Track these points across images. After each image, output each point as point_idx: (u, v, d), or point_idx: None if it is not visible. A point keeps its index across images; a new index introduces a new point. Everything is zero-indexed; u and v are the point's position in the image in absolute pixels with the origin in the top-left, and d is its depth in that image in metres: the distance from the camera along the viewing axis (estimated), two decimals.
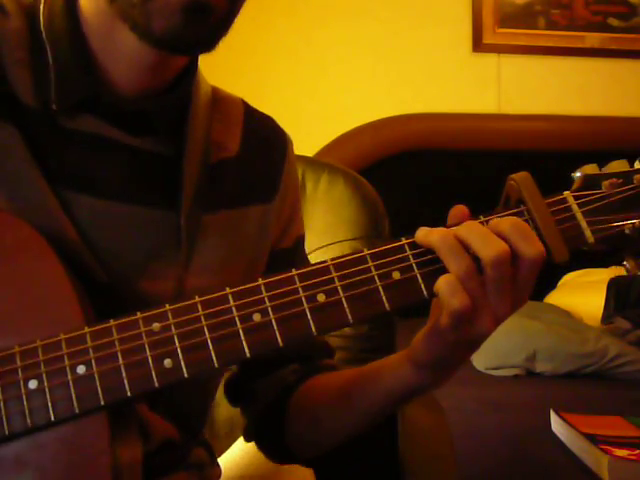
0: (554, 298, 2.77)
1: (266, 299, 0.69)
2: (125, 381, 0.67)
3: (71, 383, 0.67)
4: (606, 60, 3.22)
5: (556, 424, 1.73)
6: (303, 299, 0.70)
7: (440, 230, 0.71)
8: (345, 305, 0.70)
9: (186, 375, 0.67)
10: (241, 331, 0.68)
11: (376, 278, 0.71)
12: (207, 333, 0.68)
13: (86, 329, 0.68)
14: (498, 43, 3.19)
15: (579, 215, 0.74)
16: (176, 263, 0.84)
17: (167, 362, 0.67)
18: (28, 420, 0.66)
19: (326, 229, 1.51)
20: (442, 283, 0.70)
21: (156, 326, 0.68)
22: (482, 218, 0.74)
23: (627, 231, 0.74)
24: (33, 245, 0.73)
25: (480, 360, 2.38)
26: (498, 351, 2.32)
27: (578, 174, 0.77)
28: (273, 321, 0.69)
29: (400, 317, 1.50)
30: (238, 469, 1.16)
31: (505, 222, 0.71)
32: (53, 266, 0.72)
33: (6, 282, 0.71)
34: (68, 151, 0.81)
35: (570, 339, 2.31)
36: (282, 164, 1.00)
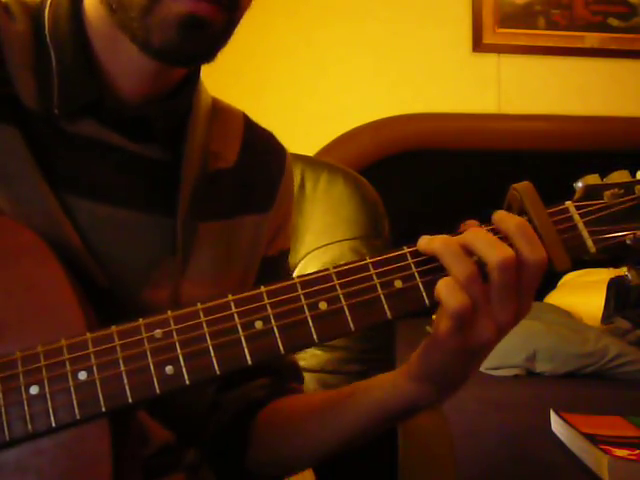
0: (554, 298, 2.77)
1: (268, 306, 0.69)
2: (126, 387, 0.67)
3: (72, 389, 0.67)
4: (606, 60, 3.22)
5: (556, 424, 1.73)
6: (305, 307, 0.70)
7: (442, 237, 0.71)
8: (347, 313, 0.70)
9: (187, 382, 0.67)
10: (243, 338, 0.68)
11: (378, 287, 0.71)
12: (209, 340, 0.68)
13: (88, 335, 0.68)
14: (498, 43, 3.19)
15: (581, 225, 0.74)
16: (172, 270, 0.84)
17: (169, 369, 0.67)
18: (29, 426, 0.66)
19: (325, 229, 1.51)
20: (441, 285, 0.70)
21: (158, 333, 0.68)
22: (485, 227, 0.74)
23: (628, 241, 0.74)
24: (35, 250, 0.73)
25: None
26: (498, 351, 2.29)
27: (580, 184, 0.77)
28: (275, 329, 0.69)
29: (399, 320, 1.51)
30: None
31: (510, 221, 0.72)
32: (55, 271, 0.72)
33: (8, 287, 0.71)
34: (69, 155, 0.81)
35: (570, 339, 2.31)
36: (280, 176, 1.00)
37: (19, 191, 0.77)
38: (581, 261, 0.75)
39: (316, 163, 1.63)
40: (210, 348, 0.68)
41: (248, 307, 0.69)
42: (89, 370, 0.67)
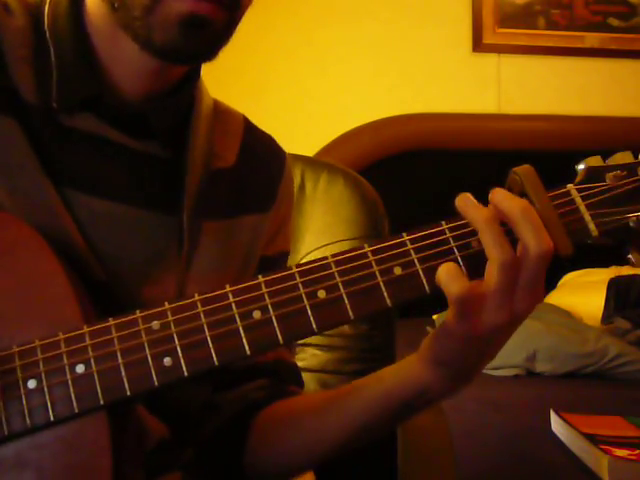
0: (554, 298, 2.77)
1: (266, 296, 0.69)
2: (124, 380, 0.67)
3: (70, 382, 0.67)
4: (606, 60, 3.22)
5: (556, 424, 1.72)
6: (304, 296, 0.69)
7: (486, 212, 0.70)
8: (346, 301, 0.69)
9: (186, 374, 0.67)
10: (241, 328, 0.68)
11: (377, 274, 0.70)
12: (207, 331, 0.68)
13: (85, 328, 0.68)
14: (498, 43, 3.19)
15: (583, 208, 0.73)
16: (176, 268, 0.84)
17: (167, 360, 0.67)
18: (27, 420, 0.66)
19: (325, 229, 1.51)
20: (442, 272, 0.69)
21: (155, 324, 0.68)
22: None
23: (631, 224, 0.73)
24: (32, 244, 0.73)
25: None
26: None
27: (582, 166, 0.76)
28: (273, 318, 0.68)
29: (400, 317, 1.50)
30: None
31: (515, 206, 0.70)
32: (52, 265, 0.72)
33: (5, 281, 0.71)
34: (67, 149, 0.82)
35: (570, 339, 2.31)
36: (279, 178, 1.00)
37: (19, 183, 0.77)
38: (585, 246, 0.73)
39: (316, 163, 1.64)
40: (208, 339, 0.68)
41: (246, 297, 0.69)
42: (87, 363, 0.67)
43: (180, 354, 0.67)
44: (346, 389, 0.89)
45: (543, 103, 3.20)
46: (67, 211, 0.79)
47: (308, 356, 1.40)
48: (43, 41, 0.83)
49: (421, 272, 0.70)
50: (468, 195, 0.72)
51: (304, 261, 1.43)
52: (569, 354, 2.28)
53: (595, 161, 0.76)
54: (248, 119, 1.02)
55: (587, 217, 0.73)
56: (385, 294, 0.70)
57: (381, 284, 0.70)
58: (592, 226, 0.73)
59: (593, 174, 0.75)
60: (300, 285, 0.69)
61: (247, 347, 0.68)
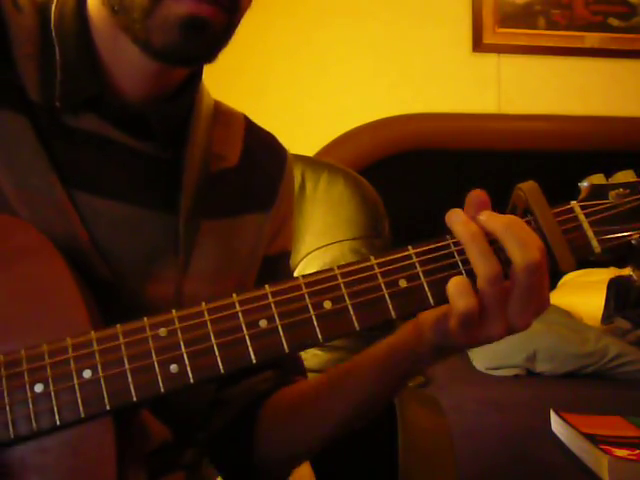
0: (554, 298, 2.77)
1: (273, 306, 0.70)
2: (131, 386, 0.67)
3: (77, 387, 0.67)
4: (606, 60, 3.22)
5: (556, 424, 1.73)
6: (309, 306, 0.70)
7: (472, 229, 0.71)
8: (351, 313, 0.70)
9: (192, 381, 0.68)
10: (247, 337, 0.69)
11: (383, 286, 0.71)
12: (213, 339, 0.68)
13: (92, 333, 0.68)
14: (498, 43, 3.19)
15: (586, 225, 0.74)
16: (175, 267, 0.85)
17: (173, 367, 0.68)
18: (34, 424, 0.67)
19: (326, 229, 1.52)
20: (452, 285, 0.70)
21: (162, 331, 0.68)
22: None
23: (633, 242, 0.74)
24: (40, 249, 0.73)
25: (480, 360, 2.39)
26: (498, 351, 2.32)
27: (585, 184, 0.77)
28: (279, 328, 0.69)
29: (404, 321, 1.51)
30: None
31: (498, 221, 0.71)
32: (60, 270, 0.72)
33: (14, 286, 0.72)
34: (70, 149, 0.82)
35: (570, 339, 2.32)
36: (281, 176, 1.01)
37: (28, 180, 0.78)
38: (585, 261, 0.74)
39: (316, 163, 1.64)
40: (214, 347, 0.68)
41: (252, 306, 0.70)
42: (94, 368, 0.67)
43: (186, 361, 0.68)
44: (344, 370, 0.89)
45: (543, 103, 3.20)
46: (75, 210, 0.79)
47: (309, 356, 1.41)
48: (49, 40, 0.83)
49: (426, 285, 0.71)
50: (458, 211, 0.73)
51: (304, 261, 1.44)
52: (569, 354, 2.28)
53: (598, 179, 0.77)
54: (249, 118, 1.02)
55: (590, 234, 0.74)
56: (390, 306, 0.71)
57: (386, 296, 0.71)
58: (595, 243, 0.74)
59: (596, 192, 0.76)
60: (306, 295, 0.70)
61: (253, 356, 0.69)
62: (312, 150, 2.92)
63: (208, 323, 0.69)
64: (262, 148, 1.01)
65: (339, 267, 0.71)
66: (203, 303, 0.70)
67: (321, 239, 1.51)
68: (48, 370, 0.67)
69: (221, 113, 0.98)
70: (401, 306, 0.71)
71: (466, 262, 0.71)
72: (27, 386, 0.67)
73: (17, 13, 0.84)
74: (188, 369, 0.68)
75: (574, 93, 3.22)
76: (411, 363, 0.83)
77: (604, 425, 1.66)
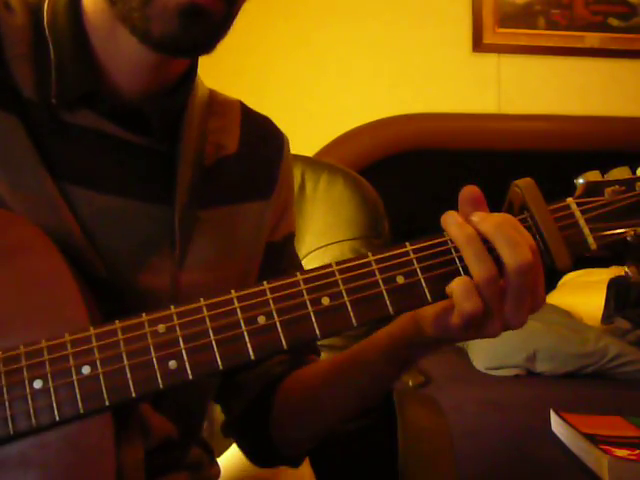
0: (554, 298, 2.77)
1: (271, 302, 0.69)
2: (130, 382, 0.67)
3: (76, 383, 0.67)
4: (606, 60, 3.22)
5: (556, 424, 1.73)
6: (308, 302, 0.70)
7: (467, 229, 0.71)
8: (349, 309, 0.70)
9: (190, 377, 0.67)
10: (246, 334, 0.68)
11: (380, 282, 0.71)
12: (212, 335, 0.68)
13: (91, 330, 0.68)
14: (498, 43, 3.19)
15: (582, 222, 0.74)
16: (171, 258, 0.85)
17: (172, 364, 0.67)
18: (33, 420, 0.66)
19: (326, 229, 1.52)
20: (457, 285, 0.69)
21: (161, 327, 0.68)
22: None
23: (629, 238, 0.74)
24: (37, 244, 0.73)
25: (480, 360, 2.39)
26: (498, 351, 2.32)
27: (581, 181, 0.77)
28: (278, 324, 0.69)
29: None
30: (237, 469, 1.16)
31: (490, 222, 0.71)
32: (58, 265, 0.72)
33: (11, 282, 0.72)
34: (67, 145, 0.82)
35: (570, 339, 2.32)
36: (279, 162, 1.01)
37: (21, 179, 0.78)
38: (582, 258, 0.75)
39: (316, 163, 1.64)
40: (213, 343, 0.68)
41: (251, 302, 0.70)
42: (92, 364, 0.67)
43: (185, 357, 0.68)
44: (349, 358, 0.90)
45: (543, 103, 3.20)
46: (68, 206, 0.79)
47: None
48: (42, 38, 0.83)
49: (423, 281, 0.71)
50: (453, 213, 0.73)
51: (304, 261, 1.44)
52: (569, 354, 2.28)
53: (594, 176, 0.78)
54: (244, 104, 1.02)
55: (586, 231, 0.74)
56: (388, 302, 0.71)
57: (384, 292, 0.71)
58: (591, 239, 0.74)
59: (592, 188, 0.76)
60: (304, 292, 0.70)
61: (251, 352, 0.68)
62: (312, 150, 2.93)
63: (207, 319, 0.69)
64: (259, 133, 1.01)
65: (337, 263, 0.71)
66: (202, 299, 0.70)
67: (321, 239, 1.51)
68: (47, 366, 0.67)
69: (217, 102, 0.98)
70: (398, 302, 0.71)
71: (464, 259, 0.71)
72: (26, 382, 0.67)
73: (8, 13, 0.84)
74: (187, 365, 0.67)
75: (574, 93, 3.22)
76: (410, 353, 0.83)
77: (604, 425, 1.66)
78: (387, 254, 0.72)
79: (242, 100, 1.03)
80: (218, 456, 1.12)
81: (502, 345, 2.31)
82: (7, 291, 0.71)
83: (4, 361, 0.67)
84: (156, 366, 0.67)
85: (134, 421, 0.76)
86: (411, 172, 3.12)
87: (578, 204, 0.75)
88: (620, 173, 0.77)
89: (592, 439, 1.54)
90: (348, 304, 0.70)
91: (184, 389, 0.70)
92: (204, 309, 0.69)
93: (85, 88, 0.82)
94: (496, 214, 0.72)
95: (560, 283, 2.92)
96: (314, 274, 0.71)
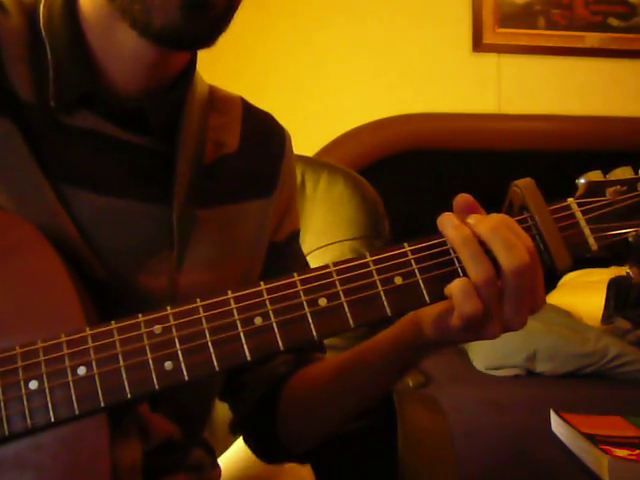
0: (554, 298, 2.77)
1: (267, 302, 0.69)
2: (125, 383, 0.67)
3: (71, 384, 0.67)
4: (606, 60, 3.22)
5: (556, 424, 1.73)
6: (304, 303, 0.69)
7: (463, 232, 0.70)
8: (346, 310, 0.70)
9: (186, 378, 0.67)
10: (242, 334, 0.68)
11: (378, 283, 0.70)
12: (208, 336, 0.68)
13: (87, 330, 0.68)
14: (498, 43, 3.19)
15: (582, 222, 0.74)
16: (169, 258, 0.84)
17: (168, 364, 0.67)
18: (28, 421, 0.66)
19: (326, 229, 1.51)
20: (456, 287, 0.69)
21: (157, 328, 0.68)
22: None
23: (630, 239, 0.74)
24: (35, 244, 0.73)
25: (480, 360, 2.39)
26: (498, 351, 2.32)
27: (582, 181, 0.77)
28: (274, 325, 0.69)
29: (399, 318, 1.50)
30: (238, 469, 1.16)
31: (485, 224, 0.70)
32: (55, 266, 0.72)
33: (8, 282, 0.71)
34: (66, 147, 0.82)
35: (570, 339, 2.31)
36: (281, 159, 1.01)
37: (17, 184, 0.78)
38: (583, 259, 0.74)
39: (316, 163, 1.64)
40: (209, 344, 0.68)
41: (247, 303, 0.69)
42: (88, 365, 0.67)
43: (181, 358, 0.68)
44: (351, 359, 0.90)
45: (543, 103, 3.20)
46: (66, 210, 0.79)
47: None
48: (39, 40, 0.83)
49: (421, 282, 0.71)
50: (449, 214, 0.72)
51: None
52: (569, 354, 2.28)
53: (595, 176, 0.77)
54: (245, 100, 1.02)
55: (587, 231, 0.74)
56: (385, 303, 0.70)
57: (381, 293, 0.70)
58: (591, 240, 0.74)
59: (593, 189, 0.76)
60: (301, 292, 0.70)
61: (248, 353, 0.68)
62: (312, 150, 2.92)
63: (203, 320, 0.69)
64: (261, 130, 1.00)
65: (335, 264, 0.71)
66: (198, 299, 0.70)
67: (321, 239, 1.51)
68: (43, 367, 0.67)
69: (217, 99, 0.97)
70: (396, 303, 0.70)
71: (461, 260, 0.71)
72: (22, 383, 0.67)
73: (3, 15, 0.84)
74: (182, 366, 0.67)
75: (574, 93, 3.22)
76: (411, 355, 0.83)
77: (604, 425, 1.66)
78: (385, 254, 0.72)
79: None
80: (218, 456, 1.12)
81: (502, 345, 2.31)
82: (3, 291, 0.71)
83: (0, 361, 0.67)
84: (152, 367, 0.67)
85: (131, 422, 0.76)
86: (411, 172, 3.12)
87: (579, 204, 0.75)
88: (622, 173, 0.77)
89: (592, 439, 1.54)
90: (345, 305, 0.70)
91: (186, 389, 0.70)
92: (200, 310, 0.69)
93: (83, 88, 0.82)
94: (493, 215, 0.72)
95: (560, 283, 2.91)
96: (311, 275, 0.71)
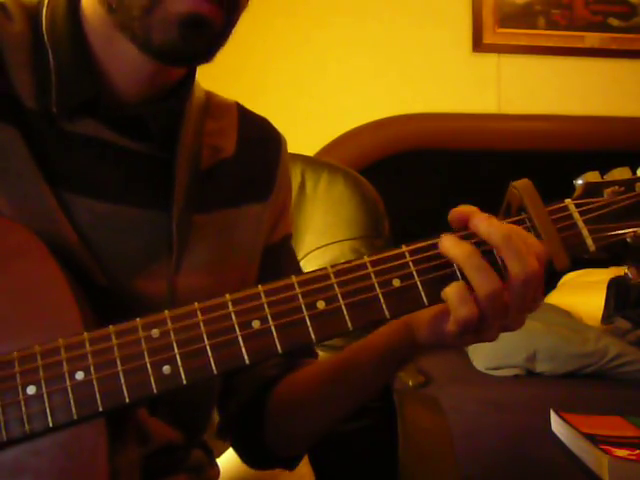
0: (554, 298, 2.77)
1: (265, 306, 0.69)
2: (123, 387, 0.67)
3: (69, 389, 0.67)
4: (606, 60, 3.22)
5: (556, 424, 1.73)
6: (303, 306, 0.69)
7: (465, 246, 0.70)
8: (345, 312, 0.69)
9: (184, 382, 0.67)
10: (240, 338, 0.68)
11: (376, 285, 0.70)
12: (206, 340, 0.68)
13: (85, 335, 0.68)
14: (498, 43, 3.19)
15: (580, 223, 0.74)
16: (168, 263, 0.84)
17: (166, 369, 0.67)
18: (26, 426, 0.66)
19: (326, 229, 1.51)
20: (451, 291, 0.69)
21: (155, 332, 0.68)
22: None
23: (629, 240, 0.74)
24: (33, 250, 0.73)
25: (480, 360, 2.39)
26: (498, 351, 2.32)
27: (580, 182, 0.76)
28: (272, 328, 0.69)
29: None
30: (236, 470, 1.16)
31: (497, 232, 0.70)
32: (52, 271, 0.72)
33: (5, 287, 0.71)
34: (68, 154, 0.82)
35: (570, 339, 2.32)
36: (277, 163, 1.01)
37: (18, 190, 0.77)
38: (581, 259, 0.74)
39: (316, 163, 1.64)
40: (207, 348, 0.68)
41: (245, 306, 0.69)
42: (86, 370, 0.67)
43: (179, 362, 0.67)
44: (341, 361, 0.90)
45: (543, 103, 3.20)
46: (66, 216, 0.79)
47: None
48: (41, 45, 0.83)
49: (419, 285, 0.71)
50: (447, 236, 0.72)
51: (304, 261, 1.44)
52: (569, 354, 2.29)
53: (593, 177, 0.77)
54: (241, 105, 1.02)
55: (585, 232, 0.74)
56: (384, 306, 0.70)
57: (380, 296, 0.70)
58: (590, 241, 0.73)
59: (591, 189, 0.76)
60: (299, 295, 0.70)
61: (246, 356, 0.68)
62: (312, 150, 2.92)
63: (201, 324, 0.68)
64: (257, 134, 1.01)
65: (332, 266, 0.71)
66: (196, 303, 0.69)
67: (321, 239, 1.51)
68: (41, 372, 0.67)
69: (213, 104, 0.98)
70: (395, 306, 0.70)
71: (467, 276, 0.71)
72: (19, 388, 0.67)
73: (7, 21, 0.83)
74: (181, 370, 0.67)
75: (574, 93, 3.22)
76: (404, 356, 0.83)
77: (604, 425, 1.66)
78: (383, 256, 0.71)
79: (242, 100, 1.03)
80: (217, 457, 1.12)
81: (502, 345, 2.31)
82: (1, 297, 0.71)
83: None
84: (150, 371, 0.67)
85: (130, 426, 0.76)
86: (411, 172, 3.12)
87: (577, 205, 0.75)
88: (620, 174, 0.77)
89: (592, 439, 1.55)
90: (344, 308, 0.70)
91: (184, 393, 0.70)
92: (198, 313, 0.69)
93: (86, 94, 0.82)
94: (501, 225, 0.71)
95: (560, 283, 2.92)
96: (309, 277, 0.71)
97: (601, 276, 2.69)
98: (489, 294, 0.68)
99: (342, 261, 0.72)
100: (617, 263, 0.76)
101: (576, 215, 0.74)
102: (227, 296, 0.70)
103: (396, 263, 0.71)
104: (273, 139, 1.03)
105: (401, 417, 1.39)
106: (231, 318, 0.69)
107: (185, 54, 0.78)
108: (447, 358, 2.46)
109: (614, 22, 3.21)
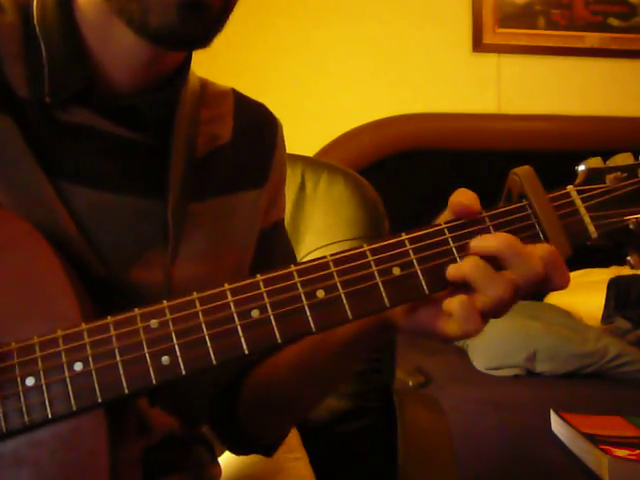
0: (554, 298, 2.77)
1: (265, 295, 0.68)
2: (122, 378, 0.66)
3: (68, 380, 0.66)
4: (606, 60, 3.23)
5: (556, 424, 1.73)
6: (302, 295, 0.69)
7: (472, 260, 0.69)
8: (345, 301, 0.69)
9: (184, 372, 0.67)
10: (239, 328, 0.68)
11: (376, 274, 0.69)
12: (205, 330, 0.67)
13: (83, 326, 0.68)
14: (498, 43, 3.20)
15: (582, 210, 0.72)
16: (165, 252, 0.84)
17: (165, 359, 0.67)
18: (25, 417, 0.66)
19: (326, 229, 1.51)
20: (457, 306, 0.68)
21: (154, 322, 0.68)
22: (484, 213, 0.72)
23: (631, 226, 0.72)
24: (30, 241, 0.73)
25: (480, 360, 2.39)
26: (498, 351, 2.32)
27: (582, 168, 0.75)
28: (272, 317, 0.68)
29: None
30: (238, 468, 1.16)
31: (500, 242, 0.69)
32: (50, 261, 0.72)
33: (3, 278, 0.71)
34: (63, 143, 0.82)
35: (570, 339, 2.32)
36: (273, 149, 1.00)
37: (15, 180, 0.77)
38: (583, 247, 0.73)
39: (316, 163, 1.63)
40: (206, 338, 0.67)
41: (244, 296, 0.69)
42: (85, 361, 0.67)
43: (178, 353, 0.67)
44: (312, 346, 0.88)
45: (543, 103, 3.21)
46: (63, 205, 0.79)
47: None
48: (33, 36, 0.83)
49: (420, 273, 0.70)
50: (456, 266, 0.70)
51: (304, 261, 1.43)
52: (569, 354, 2.28)
53: (595, 162, 0.76)
54: (237, 91, 1.02)
55: (587, 219, 0.72)
56: (384, 294, 0.69)
57: (380, 284, 0.69)
58: (592, 228, 0.72)
59: (593, 175, 0.75)
60: (299, 284, 0.69)
61: (245, 346, 0.68)
62: (312, 150, 2.93)
63: (200, 314, 0.68)
64: (253, 120, 1.00)
65: (332, 255, 0.70)
66: (195, 293, 0.69)
67: (321, 239, 1.50)
68: (39, 363, 0.67)
69: (209, 92, 0.97)
70: (395, 294, 0.69)
71: (460, 249, 0.70)
72: (18, 379, 0.66)
73: None
74: (180, 361, 0.67)
75: (574, 93, 3.22)
76: (377, 339, 0.82)
77: (604, 425, 1.66)
78: (382, 244, 0.71)
79: None
80: (219, 455, 1.12)
81: (502, 345, 2.31)
82: None
83: None
84: (149, 362, 0.67)
85: (130, 417, 0.76)
86: (411, 172, 3.13)
87: (579, 192, 0.73)
88: (623, 159, 0.75)
89: (592, 439, 1.55)
90: (343, 297, 0.69)
91: (184, 382, 0.70)
92: (197, 303, 0.68)
93: (78, 84, 0.82)
94: (500, 235, 0.71)
95: None
96: (308, 265, 0.70)
97: (601, 276, 2.69)
98: (500, 300, 0.67)
99: None
100: (618, 250, 0.75)
101: (578, 202, 0.73)
102: (226, 285, 0.69)
103: (396, 251, 0.70)
104: (269, 124, 1.02)
105: (401, 417, 1.39)
106: (230, 308, 0.68)
107: (182, 37, 0.77)
108: (447, 358, 2.46)
109: (614, 22, 3.22)
